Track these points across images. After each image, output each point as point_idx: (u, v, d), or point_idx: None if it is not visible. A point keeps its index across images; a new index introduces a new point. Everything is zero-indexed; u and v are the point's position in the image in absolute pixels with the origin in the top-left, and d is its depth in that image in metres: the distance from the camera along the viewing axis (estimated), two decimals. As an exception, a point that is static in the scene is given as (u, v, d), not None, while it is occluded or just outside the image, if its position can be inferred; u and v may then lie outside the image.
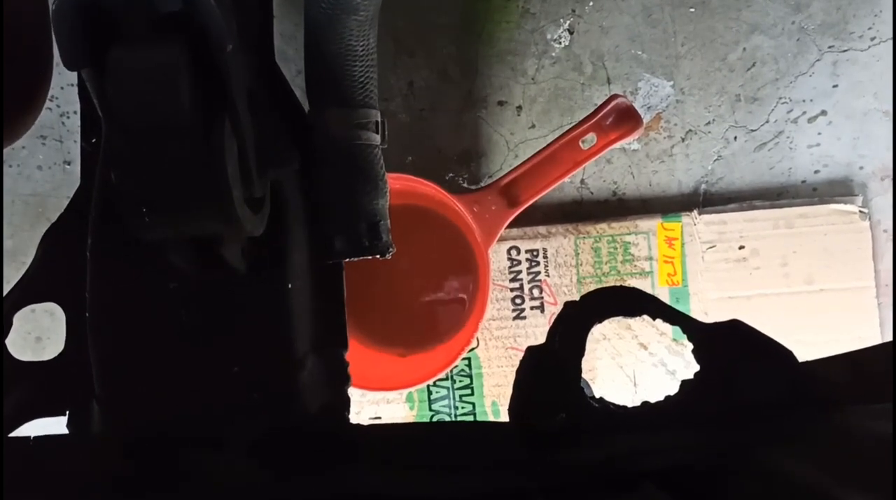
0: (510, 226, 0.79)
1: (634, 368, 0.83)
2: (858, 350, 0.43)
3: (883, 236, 0.87)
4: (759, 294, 0.84)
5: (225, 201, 0.40)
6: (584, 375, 0.44)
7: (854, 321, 0.84)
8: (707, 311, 0.83)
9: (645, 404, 0.44)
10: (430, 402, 0.83)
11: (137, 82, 0.37)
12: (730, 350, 0.44)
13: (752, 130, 0.87)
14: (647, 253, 0.84)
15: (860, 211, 0.85)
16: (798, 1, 0.86)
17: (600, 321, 0.45)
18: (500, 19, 0.86)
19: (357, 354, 0.75)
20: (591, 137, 0.75)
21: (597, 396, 0.45)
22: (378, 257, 0.52)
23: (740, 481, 0.36)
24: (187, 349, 0.48)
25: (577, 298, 0.45)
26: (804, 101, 0.87)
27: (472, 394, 0.83)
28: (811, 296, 0.84)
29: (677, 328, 0.45)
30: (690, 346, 0.45)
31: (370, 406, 0.83)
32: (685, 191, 0.87)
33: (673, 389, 0.44)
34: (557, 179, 0.75)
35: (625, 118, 0.74)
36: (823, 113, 0.87)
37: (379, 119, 0.52)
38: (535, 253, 0.83)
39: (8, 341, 0.51)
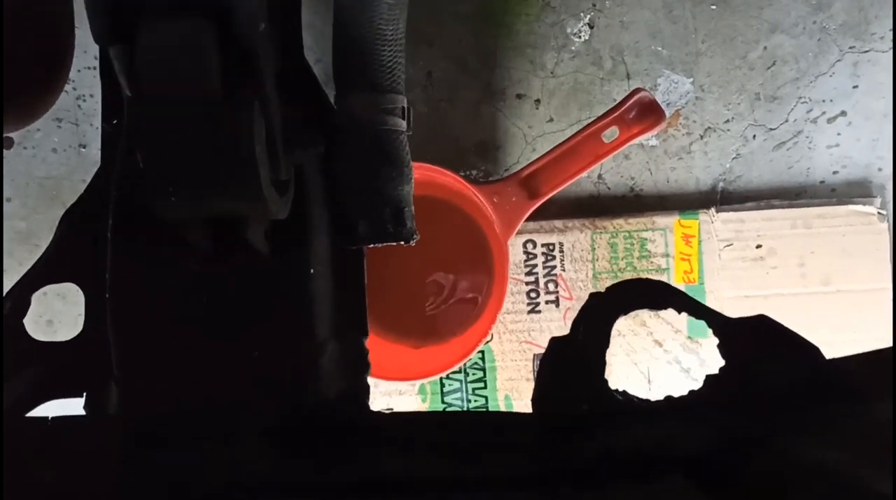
0: (527, 219, 0.79)
1: (649, 365, 0.83)
2: (885, 349, 0.43)
3: (901, 238, 0.87)
4: (776, 294, 0.84)
5: (253, 181, 0.40)
6: (602, 371, 0.44)
7: (871, 323, 0.84)
8: (723, 309, 0.82)
9: (669, 397, 0.44)
10: (443, 394, 0.83)
11: (168, 58, 0.37)
12: (755, 345, 0.43)
13: (772, 129, 0.86)
14: (663, 250, 0.83)
15: (878, 212, 0.84)
16: (820, 1, 0.85)
17: (625, 313, 0.45)
18: (521, 12, 0.85)
19: (372, 344, 0.75)
20: (614, 131, 0.74)
21: (619, 388, 0.44)
22: (402, 243, 0.52)
23: (769, 469, 0.36)
24: (207, 332, 0.48)
25: (593, 292, 0.45)
26: (824, 101, 0.86)
27: (485, 387, 0.83)
28: (828, 297, 0.84)
29: (693, 326, 0.44)
30: (714, 340, 0.44)
31: (382, 398, 0.82)
32: (703, 188, 0.87)
33: (691, 386, 0.43)
34: (579, 171, 0.75)
35: (647, 112, 0.73)
36: (843, 113, 0.87)
37: (405, 105, 0.52)
38: (551, 247, 0.83)
39: (18, 324, 0.51)
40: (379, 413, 0.46)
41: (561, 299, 0.83)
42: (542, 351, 0.44)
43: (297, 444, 0.43)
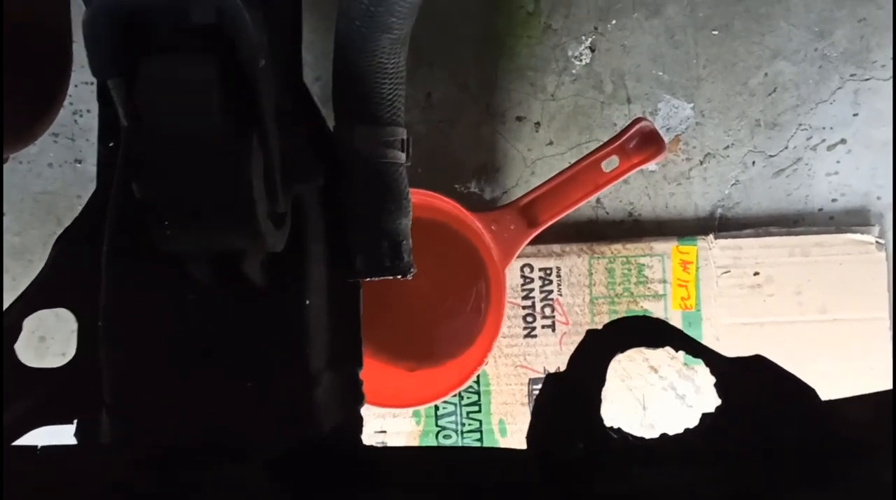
0: (525, 244, 0.79)
1: (644, 391, 0.82)
2: (882, 392, 0.43)
3: (899, 268, 0.87)
4: (773, 322, 0.84)
5: (250, 216, 0.39)
6: (594, 398, 0.43)
7: (867, 352, 0.83)
8: (719, 336, 0.83)
9: (664, 436, 0.43)
10: (437, 417, 0.82)
11: (170, 94, 0.36)
12: (753, 386, 0.43)
13: (771, 156, 0.86)
14: (661, 276, 0.83)
15: (877, 241, 0.84)
16: (822, 28, 0.85)
17: (622, 351, 0.45)
18: (522, 34, 0.85)
19: (366, 367, 0.75)
20: (614, 160, 0.74)
21: (614, 426, 0.44)
22: (399, 277, 0.51)
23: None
24: (201, 362, 0.47)
25: (589, 318, 0.45)
26: (824, 128, 0.86)
27: (480, 411, 0.82)
28: (825, 325, 0.84)
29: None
30: (712, 379, 0.44)
31: (376, 420, 0.82)
32: (701, 215, 0.87)
33: (686, 417, 0.43)
34: (578, 201, 0.75)
35: (648, 142, 0.73)
36: (843, 141, 0.87)
37: (405, 137, 0.51)
38: (548, 271, 0.83)
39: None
40: (374, 448, 0.46)
41: (557, 323, 0.83)
42: (538, 375, 0.44)
43: (289, 478, 0.43)
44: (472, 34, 0.85)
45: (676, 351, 0.45)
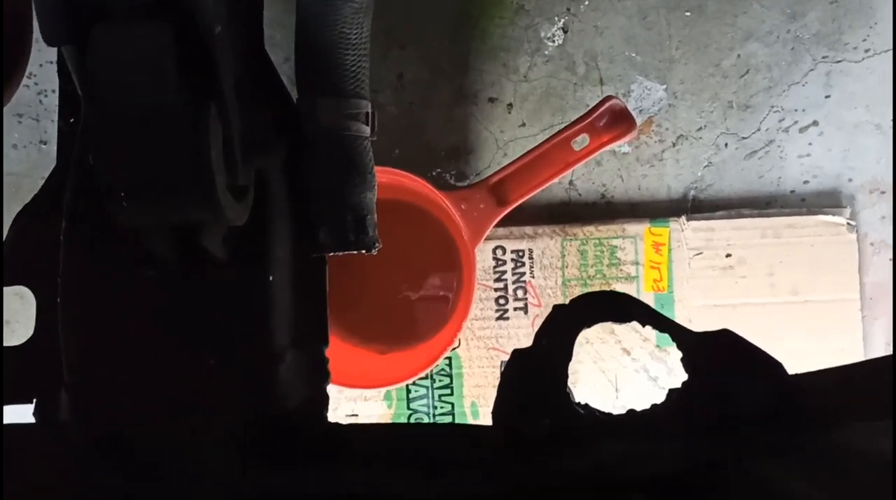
0: (497, 225, 0.78)
1: (617, 373, 0.82)
2: (848, 365, 0.43)
3: (870, 249, 0.87)
4: (745, 303, 0.84)
5: (208, 189, 0.39)
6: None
7: (837, 333, 0.84)
8: (691, 318, 0.83)
9: (631, 412, 0.43)
10: (409, 400, 0.82)
11: (121, 61, 0.36)
12: (719, 360, 0.43)
13: (744, 138, 0.86)
14: (633, 257, 0.83)
15: (848, 223, 0.84)
16: (794, 10, 0.85)
17: (589, 326, 0.44)
18: (494, 14, 0.84)
19: (337, 350, 0.74)
20: (584, 138, 0.74)
21: (581, 402, 0.44)
22: (363, 252, 0.51)
23: (728, 492, 0.35)
24: (162, 339, 0.46)
25: (562, 300, 0.44)
26: (796, 110, 0.86)
27: (452, 394, 0.82)
28: (796, 307, 0.84)
29: (662, 335, 0.44)
30: (679, 354, 0.44)
31: (347, 403, 0.81)
32: (674, 196, 0.87)
33: (657, 396, 0.43)
34: (548, 179, 0.74)
35: (618, 120, 0.73)
36: (815, 123, 0.87)
37: (369, 110, 0.51)
38: (520, 253, 0.82)
39: (-27, 325, 0.49)
40: (338, 425, 0.46)
41: (530, 306, 0.82)
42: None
43: (255, 455, 0.42)
44: (444, 15, 0.84)
45: (643, 326, 0.45)
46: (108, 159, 0.38)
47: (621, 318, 0.45)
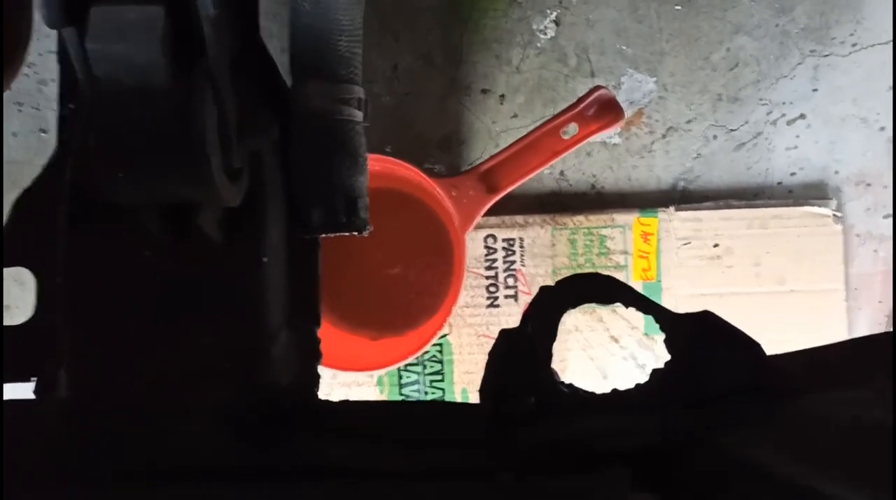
0: (487, 214, 0.79)
1: (605, 360, 0.84)
2: (822, 346, 0.44)
3: (855, 241, 0.88)
4: (731, 292, 0.85)
5: (203, 168, 0.40)
6: (554, 365, 0.44)
7: (823, 323, 0.85)
8: (679, 307, 0.84)
9: (614, 391, 0.44)
10: (401, 386, 0.83)
11: (116, 39, 0.37)
12: (699, 340, 0.44)
13: (732, 130, 0.88)
14: (622, 247, 0.84)
15: (834, 214, 0.86)
16: (782, 4, 0.86)
17: (573, 307, 0.46)
18: (487, 7, 0.85)
19: (329, 335, 0.75)
20: (573, 127, 0.75)
21: (566, 381, 0.45)
22: (354, 234, 0.52)
23: (701, 460, 0.36)
24: (159, 318, 0.48)
25: (542, 285, 0.46)
26: (784, 103, 0.88)
27: (443, 380, 0.83)
28: (782, 296, 0.85)
29: (649, 323, 0.45)
30: (662, 335, 0.45)
31: (340, 389, 0.83)
32: (663, 187, 0.88)
33: (643, 380, 0.44)
34: (537, 167, 0.75)
35: (606, 109, 0.74)
36: (802, 116, 0.88)
37: (362, 96, 0.52)
38: (511, 242, 0.84)
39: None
40: (327, 402, 0.47)
41: (520, 294, 0.84)
42: (497, 344, 0.45)
43: (245, 430, 0.43)
44: (437, 6, 0.85)
45: (627, 307, 0.46)
46: (106, 137, 0.39)
47: (605, 299, 0.46)
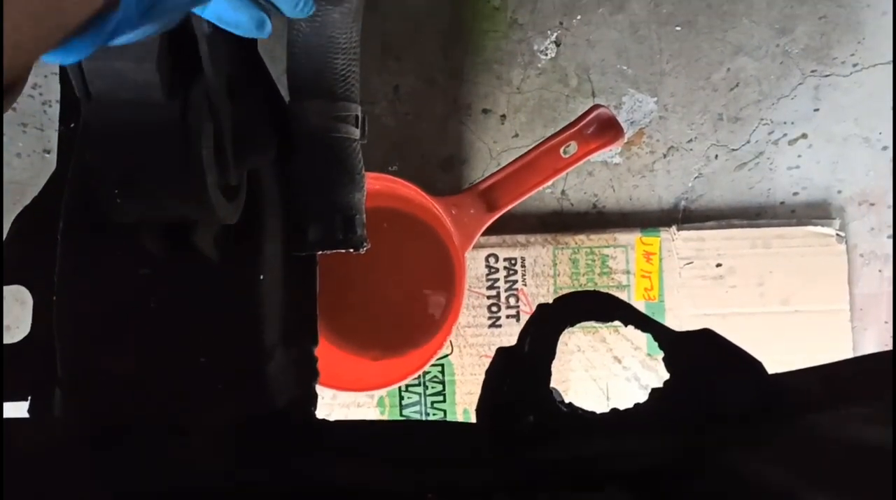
0: (489, 233, 0.79)
1: (608, 381, 0.83)
2: (828, 364, 0.43)
3: (859, 260, 0.88)
4: (735, 312, 0.85)
5: (199, 186, 0.40)
6: (556, 386, 0.44)
7: (828, 343, 0.85)
8: (682, 327, 0.83)
9: (614, 410, 0.44)
10: (402, 407, 0.82)
11: (113, 57, 0.37)
12: (700, 359, 0.44)
13: (734, 150, 0.88)
14: (624, 267, 0.84)
15: (837, 234, 0.85)
16: (783, 25, 0.87)
17: (572, 325, 0.45)
18: (489, 28, 0.86)
19: (330, 355, 0.75)
20: (572, 146, 0.75)
21: (565, 400, 0.45)
22: (351, 250, 0.52)
23: (705, 482, 0.36)
24: (154, 336, 0.47)
25: (541, 303, 0.45)
26: (785, 123, 0.88)
27: (444, 401, 0.83)
28: (786, 316, 0.85)
29: (652, 343, 0.45)
30: (661, 354, 0.45)
31: (340, 409, 0.82)
32: (665, 207, 0.88)
33: (644, 399, 0.43)
34: (537, 185, 0.75)
35: (606, 128, 0.74)
36: (804, 136, 0.88)
37: (359, 114, 0.52)
38: (513, 261, 0.83)
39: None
40: (325, 421, 0.46)
41: (522, 313, 0.83)
42: (497, 363, 0.44)
43: (242, 450, 0.43)
44: (439, 28, 0.86)
45: (626, 325, 0.46)
46: (103, 155, 0.39)
47: (604, 317, 0.46)
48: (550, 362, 0.44)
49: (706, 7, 0.86)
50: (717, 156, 0.88)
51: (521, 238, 0.84)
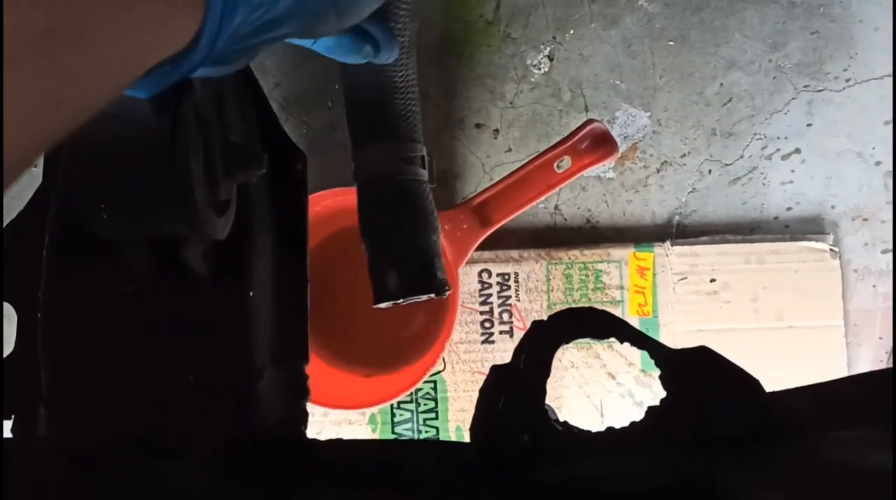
0: (482, 248, 0.79)
1: (602, 398, 0.82)
2: (824, 382, 0.43)
3: (853, 276, 0.87)
4: (729, 328, 0.84)
5: (187, 202, 0.39)
6: (550, 402, 0.43)
7: (822, 359, 0.84)
8: (676, 343, 0.83)
9: (610, 429, 0.43)
10: (394, 424, 0.81)
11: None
12: (697, 377, 0.43)
13: (727, 165, 0.87)
14: (618, 282, 0.83)
15: (831, 249, 0.85)
16: (775, 40, 0.86)
17: (567, 342, 0.44)
18: (481, 42, 0.86)
19: (322, 372, 0.74)
20: (566, 161, 0.75)
21: (560, 419, 0.44)
22: (434, 296, 0.50)
23: (702, 505, 0.35)
24: (142, 355, 0.47)
25: (535, 320, 0.44)
26: (779, 138, 0.87)
27: (437, 418, 0.82)
28: (780, 332, 0.84)
29: (646, 359, 0.44)
30: (658, 371, 0.44)
31: (332, 427, 0.81)
32: (659, 222, 0.87)
33: (639, 417, 0.43)
34: (530, 200, 0.75)
35: (600, 143, 0.73)
36: (797, 151, 0.88)
37: (424, 154, 0.50)
38: (506, 277, 0.83)
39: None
40: (315, 440, 0.46)
41: (515, 329, 0.82)
42: (491, 381, 0.44)
43: (231, 469, 0.42)
44: (432, 42, 0.85)
45: (621, 342, 0.45)
46: (89, 169, 0.38)
47: (600, 334, 0.45)
48: (545, 381, 0.43)
49: (699, 22, 0.86)
50: (710, 171, 0.87)
51: (514, 253, 0.83)
